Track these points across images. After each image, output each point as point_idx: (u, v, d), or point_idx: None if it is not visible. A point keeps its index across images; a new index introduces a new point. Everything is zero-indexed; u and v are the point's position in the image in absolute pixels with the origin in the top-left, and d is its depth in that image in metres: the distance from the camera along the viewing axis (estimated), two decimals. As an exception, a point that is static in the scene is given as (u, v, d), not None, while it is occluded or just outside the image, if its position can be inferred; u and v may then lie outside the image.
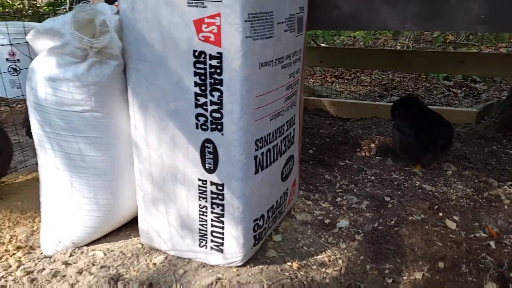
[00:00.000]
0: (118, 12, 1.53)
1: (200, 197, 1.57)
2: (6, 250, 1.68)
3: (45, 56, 1.52)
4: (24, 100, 3.44)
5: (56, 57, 1.49)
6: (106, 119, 1.58)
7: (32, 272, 1.57)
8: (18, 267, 1.59)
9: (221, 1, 1.31)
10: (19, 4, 5.32)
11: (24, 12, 5.27)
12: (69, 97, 1.51)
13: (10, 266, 1.59)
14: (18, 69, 3.63)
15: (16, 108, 3.49)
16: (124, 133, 1.64)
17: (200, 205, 1.58)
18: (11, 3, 5.09)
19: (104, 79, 1.51)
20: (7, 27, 3.29)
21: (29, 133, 1.95)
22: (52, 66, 1.50)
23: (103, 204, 1.68)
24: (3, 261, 1.62)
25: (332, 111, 3.52)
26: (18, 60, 3.61)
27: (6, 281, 1.51)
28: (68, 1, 4.85)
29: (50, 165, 1.64)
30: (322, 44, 5.58)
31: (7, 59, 3.60)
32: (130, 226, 1.84)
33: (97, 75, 1.49)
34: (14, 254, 1.67)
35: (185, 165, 1.55)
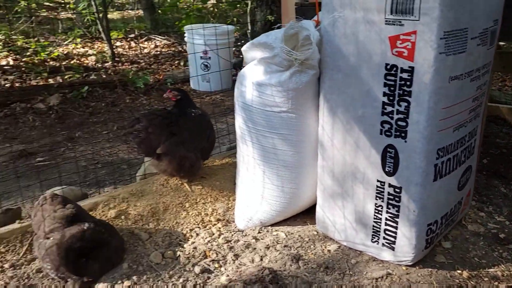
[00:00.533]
0: (316, 26, 1.74)
1: (377, 196, 1.70)
2: (209, 221, 2.06)
3: (255, 64, 1.81)
4: (216, 93, 3.97)
5: (264, 66, 1.78)
6: (298, 120, 1.82)
7: (230, 241, 1.91)
8: (219, 235, 1.95)
9: (418, 20, 1.42)
10: (210, 7, 6.06)
11: (213, 14, 5.99)
12: (271, 99, 1.79)
13: (213, 234, 1.96)
14: (208, 65, 4.20)
15: (206, 100, 4.04)
16: (312, 133, 1.86)
17: (376, 204, 1.72)
18: (202, 7, 5.85)
19: (302, 85, 1.74)
20: (216, 30, 3.85)
21: None
22: (260, 73, 1.79)
23: (287, 192, 1.94)
24: (208, 229, 2.00)
25: (511, 120, 3.28)
26: (210, 58, 4.17)
27: (211, 245, 1.88)
28: (249, 4, 5.36)
29: (248, 155, 1.95)
30: (501, 43, 5.12)
31: (201, 57, 4.19)
32: (306, 214, 2.07)
33: (296, 82, 1.73)
34: (215, 224, 2.04)
35: (366, 166, 1.70)
